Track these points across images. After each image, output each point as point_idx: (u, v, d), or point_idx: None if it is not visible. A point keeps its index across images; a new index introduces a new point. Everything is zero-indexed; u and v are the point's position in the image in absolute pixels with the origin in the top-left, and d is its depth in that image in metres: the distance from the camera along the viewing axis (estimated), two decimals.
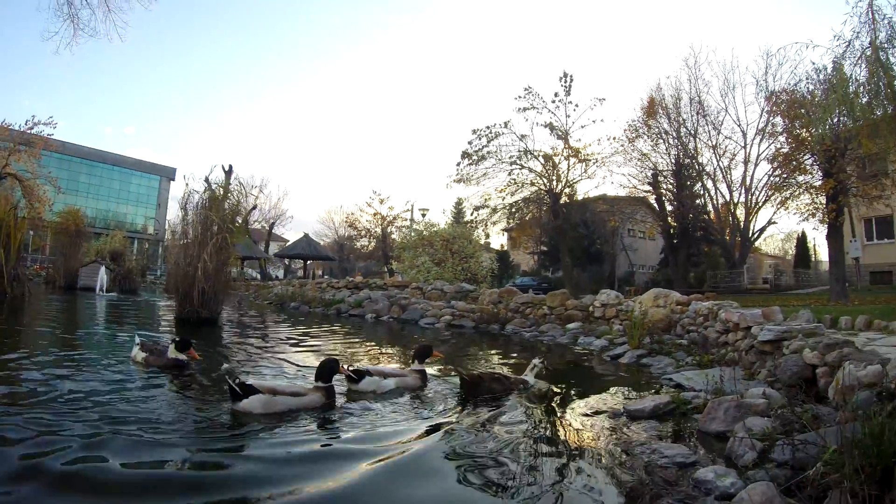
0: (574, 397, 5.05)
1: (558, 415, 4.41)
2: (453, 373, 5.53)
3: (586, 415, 4.36)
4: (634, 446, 3.44)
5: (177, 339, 5.50)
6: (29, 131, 19.58)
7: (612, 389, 5.43)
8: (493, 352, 8.80)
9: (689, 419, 3.99)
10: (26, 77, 75.77)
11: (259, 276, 40.11)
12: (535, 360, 5.32)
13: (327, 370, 4.21)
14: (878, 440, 2.33)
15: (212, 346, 7.27)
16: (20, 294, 14.64)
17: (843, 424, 2.66)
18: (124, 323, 10.82)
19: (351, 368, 4.74)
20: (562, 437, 3.78)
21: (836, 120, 9.59)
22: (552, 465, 3.17)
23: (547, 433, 3.87)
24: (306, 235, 35.64)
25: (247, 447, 3.25)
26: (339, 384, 4.65)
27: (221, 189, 11.11)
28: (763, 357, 4.98)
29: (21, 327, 9.16)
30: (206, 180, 10.86)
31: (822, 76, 11.82)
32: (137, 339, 5.75)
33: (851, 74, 7.29)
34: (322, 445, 3.40)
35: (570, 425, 4.07)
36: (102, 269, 21.27)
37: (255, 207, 44.84)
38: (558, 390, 5.25)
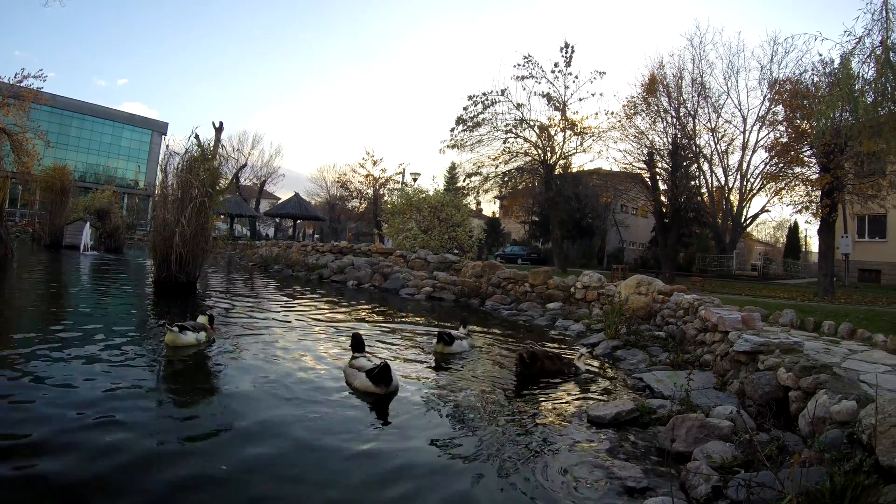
0: (536, 392, 4.90)
1: (514, 413, 4.25)
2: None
3: (544, 417, 4.22)
4: (585, 462, 3.30)
5: (207, 312, 6.01)
6: (19, 84, 18.88)
7: (579, 386, 5.27)
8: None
9: (652, 431, 3.87)
10: (18, 27, 72.77)
11: (248, 234, 39.79)
12: (582, 349, 6.25)
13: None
14: (838, 499, 2.19)
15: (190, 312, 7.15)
16: (2, 255, 13.78)
17: (807, 468, 2.52)
18: (106, 292, 10.45)
19: (445, 332, 6.06)
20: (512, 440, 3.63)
21: (838, 115, 9.29)
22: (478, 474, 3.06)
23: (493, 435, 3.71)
24: (297, 195, 35.06)
25: None
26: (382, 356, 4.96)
27: (207, 148, 10.73)
28: (737, 366, 4.83)
29: None
30: (196, 136, 10.47)
31: (828, 69, 11.48)
32: (174, 327, 5.34)
33: (859, 72, 7.02)
34: None
35: (522, 427, 3.92)
36: (87, 226, 20.84)
37: (245, 165, 44.20)
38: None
